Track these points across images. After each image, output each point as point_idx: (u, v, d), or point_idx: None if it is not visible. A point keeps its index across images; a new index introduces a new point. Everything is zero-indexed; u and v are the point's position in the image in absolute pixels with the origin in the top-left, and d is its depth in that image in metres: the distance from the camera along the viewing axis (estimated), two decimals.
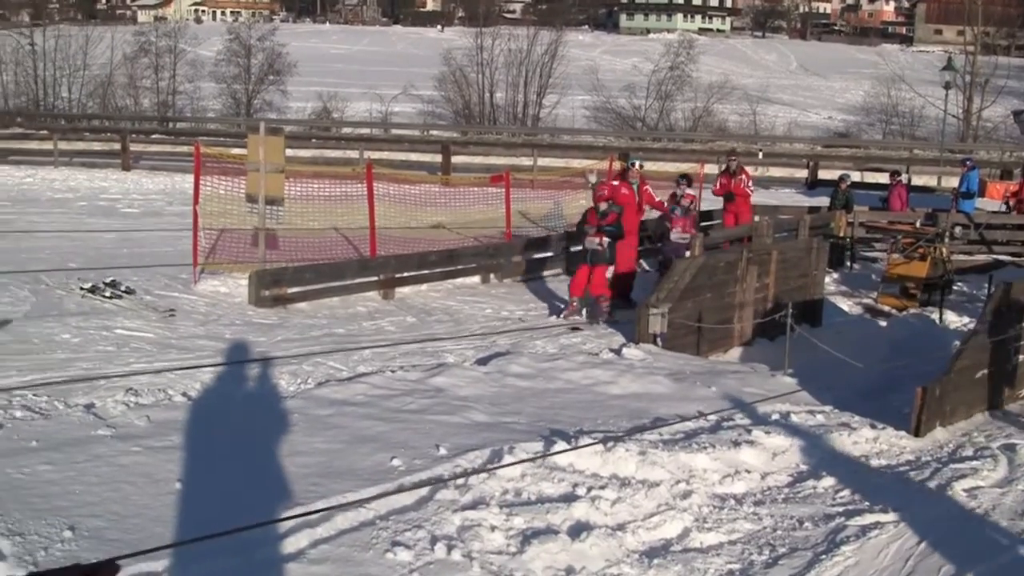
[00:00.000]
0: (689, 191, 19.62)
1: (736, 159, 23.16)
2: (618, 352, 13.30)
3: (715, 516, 7.75)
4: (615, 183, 17.78)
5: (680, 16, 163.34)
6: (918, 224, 21.85)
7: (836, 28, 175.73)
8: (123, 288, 14.55)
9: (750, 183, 22.40)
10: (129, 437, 8.44)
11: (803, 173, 39.00)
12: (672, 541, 7.35)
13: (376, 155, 37.66)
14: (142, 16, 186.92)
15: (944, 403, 10.56)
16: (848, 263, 23.22)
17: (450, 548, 6.77)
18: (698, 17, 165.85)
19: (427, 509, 7.32)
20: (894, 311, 19.01)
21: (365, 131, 52.25)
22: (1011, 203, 26.51)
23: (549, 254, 19.79)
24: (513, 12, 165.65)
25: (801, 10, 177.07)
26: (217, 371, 10.97)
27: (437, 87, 74.14)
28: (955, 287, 20.39)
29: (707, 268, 15.49)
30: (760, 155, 42.39)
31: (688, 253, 16.65)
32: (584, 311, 16.17)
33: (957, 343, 12.90)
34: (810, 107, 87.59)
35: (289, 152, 17.53)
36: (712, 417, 10.09)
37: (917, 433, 10.06)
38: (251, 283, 14.89)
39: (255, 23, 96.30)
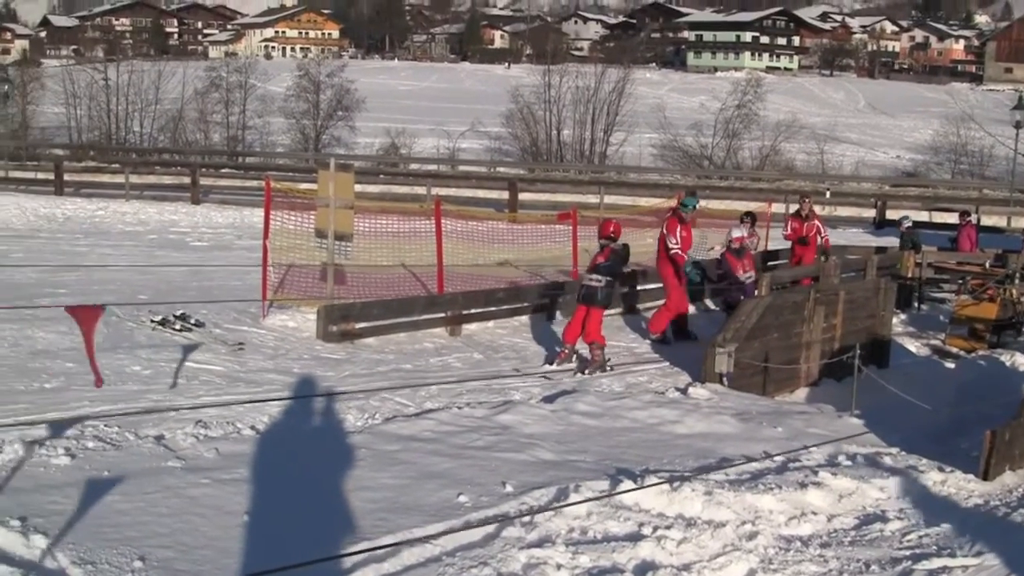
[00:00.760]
0: (740, 233, 19.66)
1: (810, 203, 22.99)
2: (684, 391, 13.28)
3: (781, 558, 7.70)
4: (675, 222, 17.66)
5: (748, 54, 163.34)
6: (987, 265, 21.67)
7: (904, 67, 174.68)
8: (193, 321, 14.71)
9: (825, 231, 22.19)
10: (198, 469, 8.51)
11: (871, 213, 38.83)
12: None
13: (443, 191, 37.86)
14: (213, 52, 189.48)
15: (1013, 447, 10.44)
16: (916, 304, 23.02)
17: None
18: (765, 55, 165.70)
19: (493, 546, 7.33)
20: (962, 353, 18.77)
21: (432, 167, 52.64)
22: None
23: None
24: (581, 50, 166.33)
25: (869, 48, 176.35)
26: (285, 405, 11.06)
27: (504, 124, 74.48)
28: None
29: (774, 308, 15.42)
30: (827, 194, 42.22)
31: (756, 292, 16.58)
32: (575, 359, 15.14)
33: None
34: (878, 146, 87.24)
35: (357, 188, 17.63)
36: (778, 458, 10.03)
37: (986, 477, 9.93)
38: (319, 318, 15.01)
39: (324, 60, 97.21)
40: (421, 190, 40.61)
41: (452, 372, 13.90)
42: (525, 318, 17.68)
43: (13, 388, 11.02)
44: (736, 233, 19.77)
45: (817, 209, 25.96)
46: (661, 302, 17.91)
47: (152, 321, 14.50)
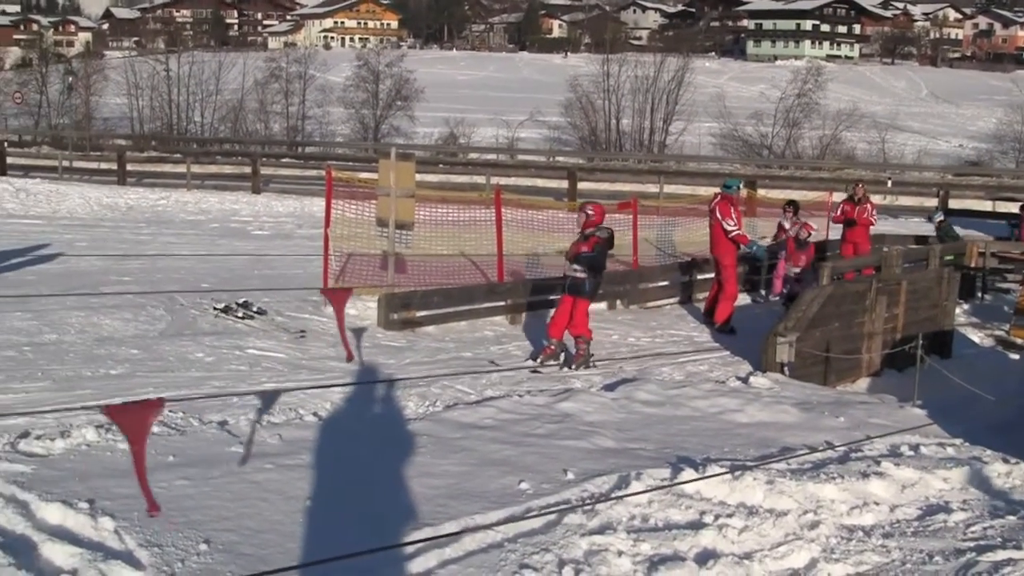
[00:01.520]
0: (787, 224, 19.58)
1: (863, 187, 22.89)
2: (745, 380, 13.26)
3: (843, 547, 7.66)
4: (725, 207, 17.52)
5: (808, 43, 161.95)
6: None
7: (968, 54, 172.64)
8: (255, 309, 14.85)
9: (874, 213, 22.11)
10: (261, 455, 8.60)
11: (933, 202, 38.43)
12: (799, 572, 7.29)
13: (502, 181, 37.87)
14: (273, 43, 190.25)
15: None
16: (980, 294, 22.81)
17: (577, 572, 6.80)
18: (826, 44, 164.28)
19: (555, 533, 7.35)
20: None
21: (491, 157, 52.60)
22: None
23: (674, 281, 19.79)
24: (639, 39, 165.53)
25: (932, 36, 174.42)
26: (347, 391, 11.13)
27: (563, 113, 74.30)
28: None
29: (835, 298, 15.35)
30: (889, 183, 41.85)
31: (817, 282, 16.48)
32: (563, 355, 14.25)
33: None
34: (940, 135, 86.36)
35: (416, 177, 17.69)
36: (840, 448, 10.00)
37: None
38: (380, 306, 15.09)
39: (383, 49, 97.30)
40: (480, 179, 40.62)
41: (512, 360, 13.93)
42: None
43: (80, 374, 11.18)
44: (786, 225, 19.71)
45: (878, 199, 25.79)
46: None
47: (215, 308, 14.66)
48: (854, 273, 18.31)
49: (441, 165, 46.65)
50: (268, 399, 10.46)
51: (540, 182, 41.50)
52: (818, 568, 7.34)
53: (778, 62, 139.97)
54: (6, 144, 52.27)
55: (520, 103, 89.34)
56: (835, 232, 23.84)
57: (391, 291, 15.61)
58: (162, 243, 23.80)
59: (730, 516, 7.81)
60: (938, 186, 41.05)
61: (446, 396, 11.46)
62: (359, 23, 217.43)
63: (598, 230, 14.15)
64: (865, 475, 8.96)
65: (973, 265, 22.50)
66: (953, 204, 35.82)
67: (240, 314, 14.62)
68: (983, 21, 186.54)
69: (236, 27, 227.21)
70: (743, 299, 19.19)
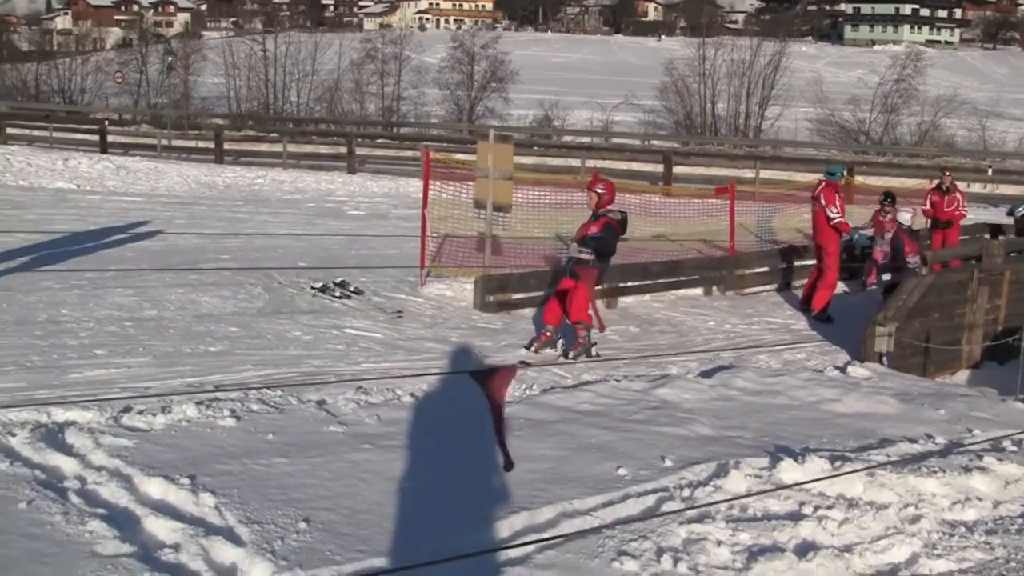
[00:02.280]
0: (907, 214, 19.26)
1: (951, 175, 22.53)
2: (843, 370, 13.08)
3: (945, 543, 7.53)
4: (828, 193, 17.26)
5: (907, 28, 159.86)
6: None
7: None
8: (352, 288, 14.95)
9: (964, 203, 21.78)
10: (360, 435, 8.63)
11: None
12: (900, 566, 7.18)
13: (597, 164, 37.80)
14: (368, 23, 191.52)
15: None
16: None
17: (676, 560, 6.75)
18: (925, 28, 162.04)
19: (653, 520, 7.30)
20: None
21: (586, 140, 52.56)
22: None
23: (771, 268, 19.63)
24: (735, 22, 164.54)
25: None
26: (449, 375, 11.16)
27: (658, 97, 74.11)
28: None
29: (936, 287, 15.13)
30: (989, 171, 41.21)
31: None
32: (560, 343, 13.31)
33: None
34: None
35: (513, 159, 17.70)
36: (941, 440, 9.84)
37: None
38: (477, 288, 15.13)
39: (478, 31, 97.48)
40: (575, 162, 40.60)
41: (608, 344, 13.87)
42: (682, 292, 17.62)
43: (180, 350, 11.31)
44: (904, 216, 19.36)
45: (978, 188, 25.39)
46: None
47: (312, 288, 14.78)
48: (959, 261, 18.03)
49: (536, 147, 46.68)
50: (366, 379, 10.53)
51: (635, 166, 41.40)
52: (920, 563, 7.23)
53: (876, 47, 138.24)
54: (107, 123, 53.06)
55: (615, 86, 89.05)
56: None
57: (487, 273, 15.62)
58: (259, 222, 24.02)
59: (830, 508, 7.71)
60: None
61: (543, 379, 11.44)
62: (454, 4, 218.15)
63: (610, 211, 13.29)
64: (967, 469, 8.79)
65: None
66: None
67: (337, 293, 14.73)
68: None
69: (332, 8, 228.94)
70: (840, 287, 18.96)
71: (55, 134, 50.15)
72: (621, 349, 13.65)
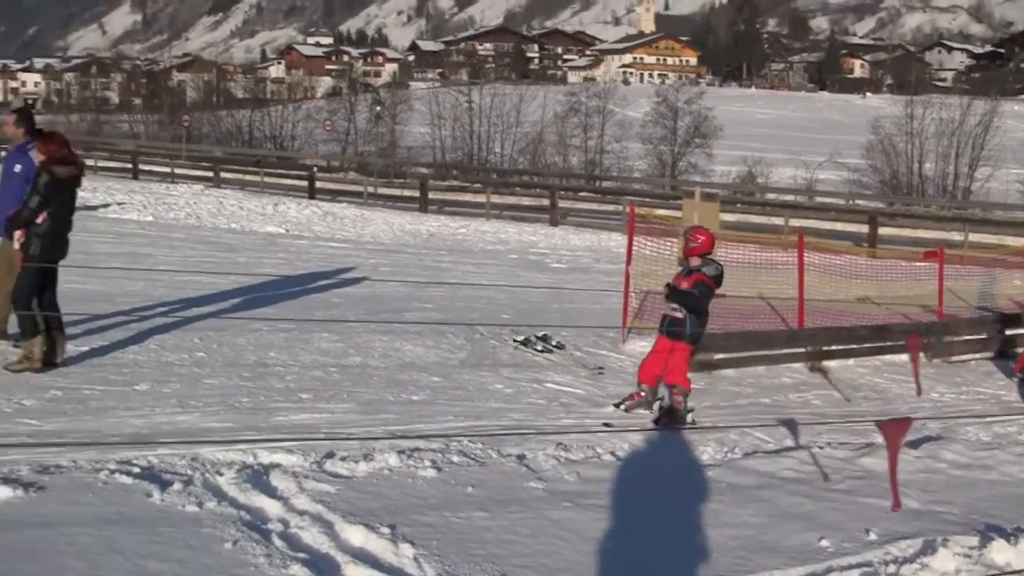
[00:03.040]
0: None
1: None
2: None
3: None
4: None
5: None
6: None
7: None
8: (554, 343, 14.98)
9: None
10: (559, 492, 8.60)
11: None
12: None
13: (800, 223, 37.28)
14: (572, 77, 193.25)
15: None
16: None
17: None
18: None
19: None
20: None
21: (789, 198, 51.94)
22: None
23: (983, 336, 19.02)
24: (944, 80, 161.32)
25: None
26: (646, 432, 11.06)
27: (864, 155, 72.97)
28: None
29: None
30: None
31: None
32: (657, 406, 12.25)
33: None
34: None
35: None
36: None
37: None
38: None
39: (682, 86, 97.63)
40: (778, 220, 40.14)
41: (812, 409, 13.60)
42: (888, 357, 17.18)
43: (383, 398, 11.44)
44: None
45: None
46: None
47: (515, 341, 14.84)
48: None
49: (739, 204, 46.27)
50: (566, 436, 10.49)
51: (839, 226, 40.66)
52: None
53: None
54: (316, 169, 54.51)
55: (819, 144, 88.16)
56: None
57: None
58: (462, 272, 24.28)
59: None
60: None
61: (744, 443, 11.25)
62: (658, 59, 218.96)
63: (704, 264, 12.03)
64: None
65: None
66: None
67: (539, 347, 14.76)
68: None
69: (537, 61, 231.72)
70: None
71: (266, 179, 51.74)
72: (824, 415, 13.34)
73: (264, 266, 21.44)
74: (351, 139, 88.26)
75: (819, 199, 53.76)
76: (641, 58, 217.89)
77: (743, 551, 7.70)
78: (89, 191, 36.52)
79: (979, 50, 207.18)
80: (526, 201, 46.50)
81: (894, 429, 9.34)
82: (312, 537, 7.11)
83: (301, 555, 6.75)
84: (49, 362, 11.10)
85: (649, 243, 17.19)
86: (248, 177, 53.18)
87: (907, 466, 10.52)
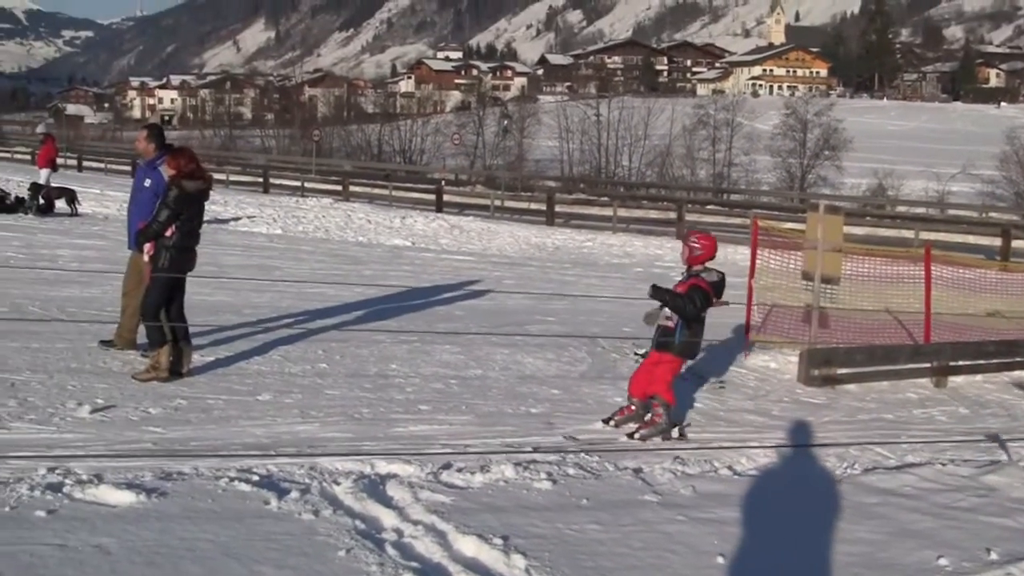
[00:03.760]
0: None
1: None
2: None
3: None
4: None
5: None
6: None
7: None
8: None
9: None
10: (674, 505, 8.57)
11: None
12: None
13: (931, 236, 36.66)
14: (701, 89, 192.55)
15: None
16: None
17: None
18: None
19: None
20: None
21: (920, 211, 51.11)
22: None
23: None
24: None
25: None
26: (764, 448, 10.97)
27: (998, 167, 71.55)
28: None
29: None
30: None
31: None
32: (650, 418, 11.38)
33: None
34: None
35: (844, 230, 17.34)
36: None
37: None
38: (801, 361, 14.86)
39: (812, 98, 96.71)
40: (908, 234, 39.51)
41: (936, 426, 13.37)
42: (1017, 373, 16.82)
43: (502, 410, 11.49)
44: None
45: None
46: None
47: (636, 354, 14.81)
48: None
49: (868, 217, 45.64)
50: (683, 449, 10.46)
51: (971, 239, 39.92)
52: None
53: None
54: (443, 183, 54.95)
55: (952, 155, 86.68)
56: None
57: (813, 346, 15.33)
58: (585, 284, 24.31)
59: None
60: None
61: (864, 459, 11.09)
62: (788, 71, 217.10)
63: (705, 270, 11.25)
64: None
65: None
66: None
67: None
68: None
69: (666, 73, 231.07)
70: None
71: (394, 192, 52.26)
72: (949, 431, 13.11)
73: (389, 278, 21.68)
74: (479, 153, 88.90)
75: (951, 212, 52.83)
76: (771, 70, 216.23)
77: (859, 568, 7.61)
78: (220, 204, 37.31)
79: None
80: (653, 214, 46.39)
81: None
82: (425, 546, 7.18)
83: (413, 564, 6.82)
84: (175, 372, 11.38)
85: (775, 257, 17.05)
86: (376, 191, 53.81)
87: None
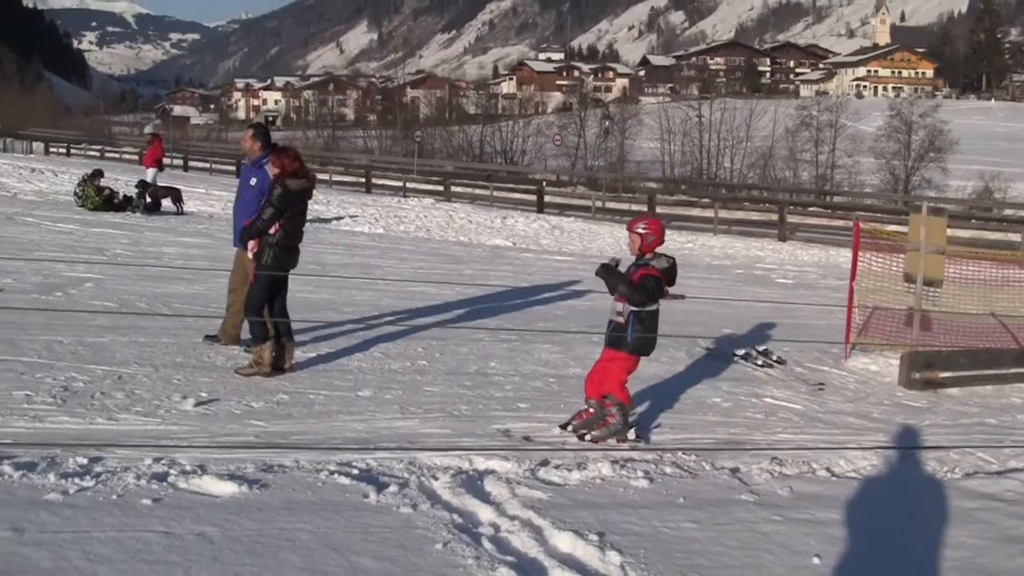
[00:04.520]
0: None
1: None
2: None
3: None
4: None
5: None
6: None
7: None
8: (775, 358, 14.85)
9: None
10: (770, 505, 8.55)
11: None
12: None
13: None
14: (804, 90, 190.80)
15: None
16: None
17: None
18: None
19: None
20: None
21: None
22: None
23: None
24: None
25: None
26: (863, 450, 10.88)
27: None
28: None
29: None
30: None
31: None
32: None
33: None
34: None
35: (948, 232, 17.14)
36: None
37: None
38: (903, 364, 14.71)
39: (917, 99, 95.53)
40: (1015, 237, 38.87)
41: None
42: None
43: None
44: None
45: None
46: None
47: (735, 355, 14.77)
48: None
49: (974, 220, 44.96)
50: (782, 450, 10.42)
51: None
52: None
53: None
54: (545, 183, 55.03)
55: None
56: None
57: (915, 349, 15.17)
58: (685, 286, 23.92)
59: None
60: None
61: (965, 463, 10.96)
62: (893, 72, 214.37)
63: (655, 257, 10.46)
64: None
65: None
66: None
67: (760, 362, 14.67)
68: None
69: (768, 75, 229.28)
70: None
71: (495, 193, 52.41)
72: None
73: (490, 278, 21.78)
74: (580, 154, 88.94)
75: None
76: (875, 71, 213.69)
77: (958, 572, 7.54)
78: (323, 204, 37.73)
79: None
80: (754, 216, 46.16)
81: None
82: (521, 541, 7.24)
83: (509, 558, 6.87)
84: (277, 367, 11.55)
85: (877, 259, 16.91)
86: (478, 191, 54.02)
87: None
